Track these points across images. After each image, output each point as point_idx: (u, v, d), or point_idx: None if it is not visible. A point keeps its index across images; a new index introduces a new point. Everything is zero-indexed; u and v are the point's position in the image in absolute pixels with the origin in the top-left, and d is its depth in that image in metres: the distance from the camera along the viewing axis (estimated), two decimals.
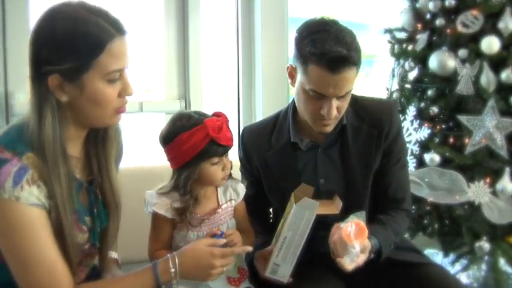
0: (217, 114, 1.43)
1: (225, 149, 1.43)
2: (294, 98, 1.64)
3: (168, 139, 1.41)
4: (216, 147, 1.40)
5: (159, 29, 2.54)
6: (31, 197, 1.13)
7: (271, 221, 1.79)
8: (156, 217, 1.46)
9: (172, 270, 1.27)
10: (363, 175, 1.59)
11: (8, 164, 1.12)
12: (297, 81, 1.50)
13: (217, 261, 1.31)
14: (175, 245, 1.46)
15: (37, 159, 1.15)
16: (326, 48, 1.39)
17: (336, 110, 1.46)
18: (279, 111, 1.72)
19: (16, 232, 1.13)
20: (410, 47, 2.32)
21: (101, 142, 1.32)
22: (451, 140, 2.13)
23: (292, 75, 1.54)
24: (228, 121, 1.44)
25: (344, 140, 1.59)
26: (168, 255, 1.31)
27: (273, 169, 1.64)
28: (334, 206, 1.51)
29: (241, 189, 1.54)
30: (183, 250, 1.32)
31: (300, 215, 1.38)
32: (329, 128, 1.53)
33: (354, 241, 1.35)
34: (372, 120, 1.59)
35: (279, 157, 1.63)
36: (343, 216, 1.46)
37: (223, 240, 1.36)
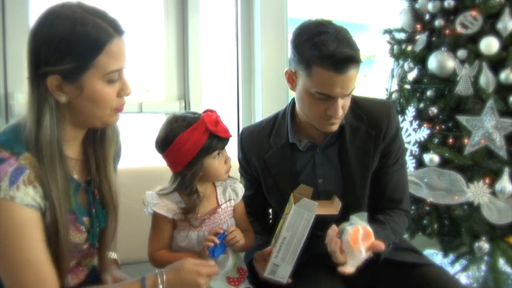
0: (209, 110, 1.45)
1: (224, 141, 1.44)
2: (292, 100, 1.65)
3: (168, 142, 1.41)
4: (217, 140, 1.41)
5: (159, 30, 2.54)
6: (26, 198, 1.13)
7: (270, 221, 1.80)
8: (156, 217, 1.46)
9: (160, 286, 1.28)
10: (361, 175, 1.59)
11: (5, 163, 1.12)
12: (299, 86, 1.50)
13: (203, 279, 1.31)
14: (175, 245, 1.47)
15: (34, 160, 1.15)
16: (330, 50, 1.40)
17: (341, 108, 1.48)
18: (278, 112, 1.73)
19: (7, 231, 1.13)
20: (409, 48, 2.33)
21: (99, 143, 1.32)
22: (451, 140, 2.14)
23: (292, 79, 1.53)
24: (219, 116, 1.45)
25: (342, 140, 1.60)
26: (157, 271, 1.32)
27: (272, 170, 1.64)
28: (333, 207, 1.52)
29: (240, 189, 1.55)
30: (171, 267, 1.32)
31: (299, 216, 1.39)
32: (335, 127, 1.54)
33: (361, 245, 1.36)
34: (370, 121, 1.60)
35: (277, 158, 1.63)
36: (343, 216, 1.47)
37: (211, 262, 1.36)
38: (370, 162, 1.58)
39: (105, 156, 1.33)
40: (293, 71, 1.51)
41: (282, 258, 1.42)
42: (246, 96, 2.70)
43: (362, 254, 1.36)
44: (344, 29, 1.47)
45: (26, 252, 1.15)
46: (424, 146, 2.18)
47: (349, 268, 1.36)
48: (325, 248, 1.42)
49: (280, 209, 1.55)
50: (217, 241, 1.39)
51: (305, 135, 1.62)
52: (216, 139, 1.41)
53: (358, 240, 1.35)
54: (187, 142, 1.38)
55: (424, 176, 2.13)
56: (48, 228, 1.18)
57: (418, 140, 2.19)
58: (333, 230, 1.41)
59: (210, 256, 1.39)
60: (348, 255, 1.37)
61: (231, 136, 1.46)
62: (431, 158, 2.12)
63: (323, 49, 1.40)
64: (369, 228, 1.38)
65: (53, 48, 1.12)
